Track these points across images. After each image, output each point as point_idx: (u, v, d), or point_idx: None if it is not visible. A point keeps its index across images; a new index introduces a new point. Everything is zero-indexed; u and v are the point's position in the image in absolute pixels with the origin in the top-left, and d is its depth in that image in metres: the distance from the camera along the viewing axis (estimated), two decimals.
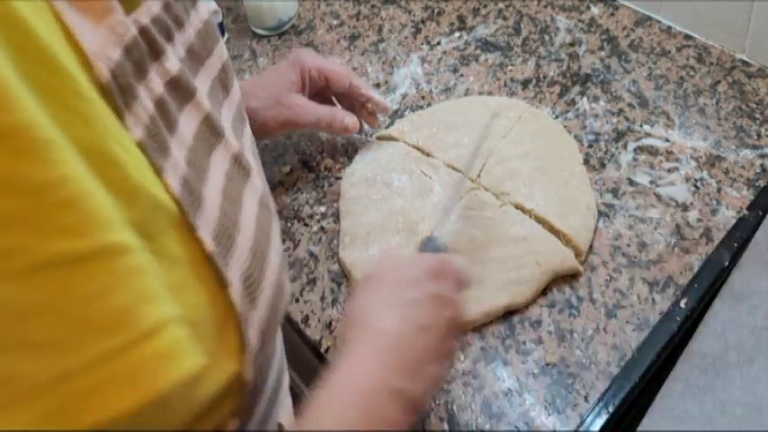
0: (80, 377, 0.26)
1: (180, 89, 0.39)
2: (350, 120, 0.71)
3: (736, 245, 0.63)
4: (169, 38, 0.40)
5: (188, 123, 0.39)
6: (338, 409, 0.42)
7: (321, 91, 0.74)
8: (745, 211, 0.66)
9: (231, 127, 0.46)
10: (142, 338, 0.28)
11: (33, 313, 0.26)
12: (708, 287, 0.61)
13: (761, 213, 0.65)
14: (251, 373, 0.36)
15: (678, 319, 0.59)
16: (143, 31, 0.37)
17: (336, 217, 0.71)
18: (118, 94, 0.32)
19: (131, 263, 0.29)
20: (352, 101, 0.74)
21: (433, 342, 0.47)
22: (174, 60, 0.39)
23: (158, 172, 0.33)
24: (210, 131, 0.42)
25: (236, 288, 0.36)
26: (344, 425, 0.41)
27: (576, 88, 0.80)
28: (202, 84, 0.44)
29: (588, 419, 0.55)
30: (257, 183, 0.45)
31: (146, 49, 0.37)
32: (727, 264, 0.62)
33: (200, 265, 0.34)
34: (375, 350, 0.46)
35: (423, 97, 0.83)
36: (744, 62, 0.79)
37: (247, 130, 0.50)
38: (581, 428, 0.54)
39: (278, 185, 0.76)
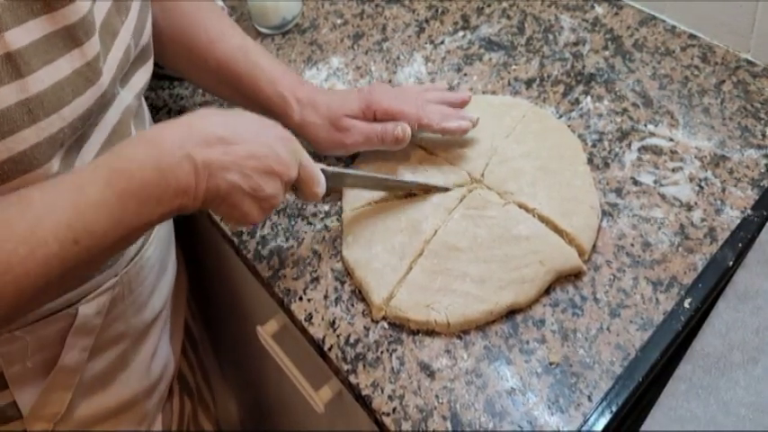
0: None
1: None
2: (399, 129, 0.68)
3: (740, 245, 0.63)
4: None
5: None
6: (133, 150, 0.50)
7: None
8: (749, 211, 0.66)
9: None
10: None
11: None
12: (712, 287, 0.61)
13: (765, 213, 0.65)
14: None
15: (682, 318, 0.59)
16: None
17: (339, 215, 0.71)
18: None
19: None
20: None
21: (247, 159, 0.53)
22: None
23: None
24: None
25: None
26: (138, 161, 0.49)
27: (580, 88, 0.80)
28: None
29: (591, 419, 0.55)
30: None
31: None
32: (731, 264, 0.62)
33: None
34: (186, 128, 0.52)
35: None
36: (748, 62, 0.79)
37: None
38: (584, 428, 0.54)
39: None
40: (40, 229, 0.45)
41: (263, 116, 0.62)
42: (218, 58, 0.72)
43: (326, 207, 0.73)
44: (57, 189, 0.47)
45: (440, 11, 0.94)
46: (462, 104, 0.73)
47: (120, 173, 0.48)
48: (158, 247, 0.71)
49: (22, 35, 0.46)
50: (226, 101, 0.82)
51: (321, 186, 0.62)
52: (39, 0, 0.47)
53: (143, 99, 0.67)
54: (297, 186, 0.61)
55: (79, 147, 0.53)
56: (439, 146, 0.73)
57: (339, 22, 0.95)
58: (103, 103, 0.54)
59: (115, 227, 0.48)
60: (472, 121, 0.70)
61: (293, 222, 0.72)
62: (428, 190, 0.69)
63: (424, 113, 0.69)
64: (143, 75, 0.64)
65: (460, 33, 0.90)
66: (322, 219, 0.72)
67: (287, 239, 0.71)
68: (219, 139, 0.52)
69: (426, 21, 0.93)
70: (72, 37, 0.49)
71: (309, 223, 0.72)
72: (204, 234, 0.92)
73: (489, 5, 0.93)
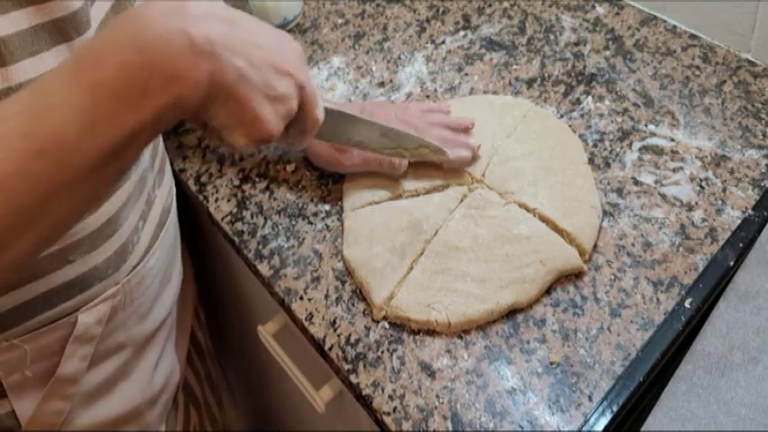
0: None
1: None
2: (397, 160, 0.68)
3: (741, 245, 0.63)
4: None
5: None
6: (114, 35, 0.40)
7: None
8: (750, 212, 0.66)
9: None
10: None
11: None
12: (713, 287, 0.61)
13: (766, 213, 0.65)
14: None
15: (683, 318, 0.59)
16: None
17: (340, 215, 0.71)
18: None
19: None
20: None
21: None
22: None
23: None
24: None
25: None
26: (112, 44, 0.39)
27: (581, 87, 0.80)
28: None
29: (592, 419, 0.55)
30: None
31: None
32: (731, 264, 0.62)
33: None
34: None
35: (427, 96, 0.83)
36: (749, 62, 0.79)
37: None
38: (584, 428, 0.54)
39: (282, 183, 0.76)
40: None
41: None
42: None
43: (327, 207, 0.73)
44: (16, 96, 0.38)
45: (441, 10, 0.94)
46: (465, 131, 0.72)
47: (89, 62, 0.38)
48: (161, 256, 0.70)
49: (6, 25, 0.45)
50: None
51: (321, 111, 0.52)
52: None
53: None
54: (297, 112, 0.50)
55: None
56: None
57: (340, 21, 0.95)
58: None
59: (92, 131, 0.38)
60: (473, 150, 0.70)
61: (294, 222, 0.72)
62: (425, 159, 0.69)
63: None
64: None
65: (461, 33, 0.90)
66: (323, 218, 0.72)
67: (287, 239, 0.71)
68: (221, 18, 0.42)
69: (427, 20, 0.93)
70: (60, 31, 0.48)
71: (310, 223, 0.72)
72: (206, 236, 0.92)
73: (490, 5, 0.93)
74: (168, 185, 0.72)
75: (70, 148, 0.37)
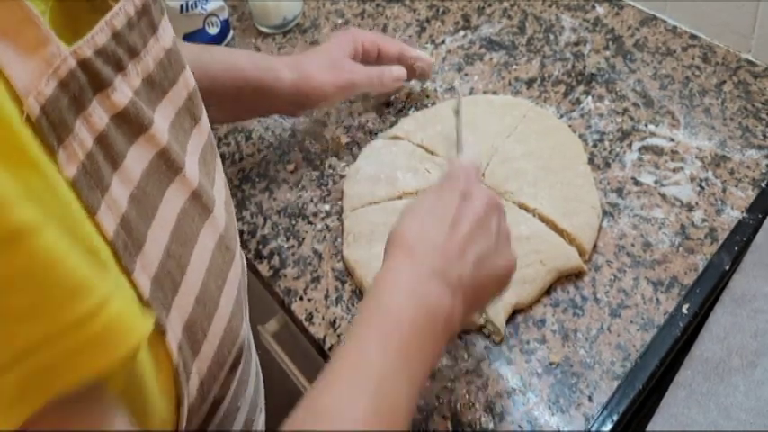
0: (59, 341, 0.27)
1: (130, 122, 0.38)
2: (397, 70, 0.75)
3: (736, 248, 0.63)
4: (119, 68, 0.38)
5: (138, 158, 0.38)
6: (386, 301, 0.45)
7: (370, 62, 0.77)
8: (744, 214, 0.65)
9: (198, 160, 0.45)
10: (99, 307, 0.29)
11: (8, 284, 0.27)
12: (709, 291, 0.61)
13: (761, 216, 0.65)
14: (187, 424, 0.38)
15: (680, 324, 0.59)
16: (84, 64, 0.35)
17: (340, 215, 0.71)
18: (49, 130, 0.32)
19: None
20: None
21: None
22: (123, 92, 0.38)
23: (91, 212, 0.33)
24: (167, 166, 0.40)
25: (175, 336, 0.37)
26: (393, 312, 0.44)
27: (581, 88, 0.80)
28: (164, 114, 0.42)
29: (593, 428, 0.54)
30: (219, 222, 0.43)
31: (86, 82, 0.35)
32: (728, 267, 0.62)
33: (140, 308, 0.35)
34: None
35: (427, 96, 0.83)
36: (749, 62, 0.79)
37: (219, 162, 0.50)
38: None
39: (282, 183, 0.76)
40: None
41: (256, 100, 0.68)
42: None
43: (327, 207, 0.73)
44: (343, 381, 0.43)
45: (441, 10, 0.94)
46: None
47: (391, 323, 0.45)
48: None
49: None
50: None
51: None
52: None
53: None
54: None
55: None
56: (439, 145, 0.73)
57: (340, 21, 0.95)
58: None
59: (412, 390, 0.43)
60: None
61: (294, 222, 0.72)
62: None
63: (402, 44, 0.78)
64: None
65: (461, 33, 0.90)
66: (323, 218, 0.72)
67: (287, 239, 0.71)
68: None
69: (427, 20, 0.93)
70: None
71: (310, 223, 0.72)
72: None
73: (490, 5, 0.93)
74: None
75: (402, 411, 0.42)
